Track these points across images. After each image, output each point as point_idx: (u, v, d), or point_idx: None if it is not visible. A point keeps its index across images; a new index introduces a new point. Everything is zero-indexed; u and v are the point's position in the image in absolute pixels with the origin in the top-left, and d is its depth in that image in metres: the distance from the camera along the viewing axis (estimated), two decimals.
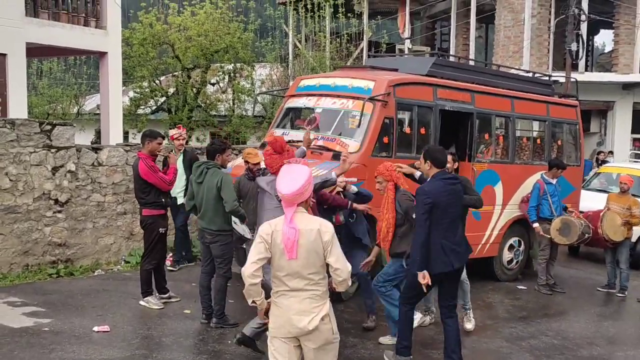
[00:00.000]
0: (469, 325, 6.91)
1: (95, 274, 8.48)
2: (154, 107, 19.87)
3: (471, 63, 12.92)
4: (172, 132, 9.20)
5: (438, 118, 8.43)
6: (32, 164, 8.08)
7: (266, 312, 3.85)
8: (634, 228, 9.25)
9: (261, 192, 6.27)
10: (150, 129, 7.53)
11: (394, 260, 6.22)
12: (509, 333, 6.99)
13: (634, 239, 9.79)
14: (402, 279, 6.08)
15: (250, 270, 3.69)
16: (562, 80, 14.75)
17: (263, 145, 8.77)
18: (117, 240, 9.06)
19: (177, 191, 8.53)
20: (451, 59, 13.13)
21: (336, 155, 7.40)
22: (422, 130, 8.29)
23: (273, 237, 3.71)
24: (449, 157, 6.96)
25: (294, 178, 3.75)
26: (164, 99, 19.45)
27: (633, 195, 9.60)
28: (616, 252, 9.20)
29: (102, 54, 13.63)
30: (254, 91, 18.82)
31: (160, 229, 6.86)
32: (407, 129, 8.30)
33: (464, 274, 6.75)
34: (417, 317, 6.85)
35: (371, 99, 7.70)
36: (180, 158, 8.64)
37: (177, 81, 18.68)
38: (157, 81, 19.35)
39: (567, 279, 9.91)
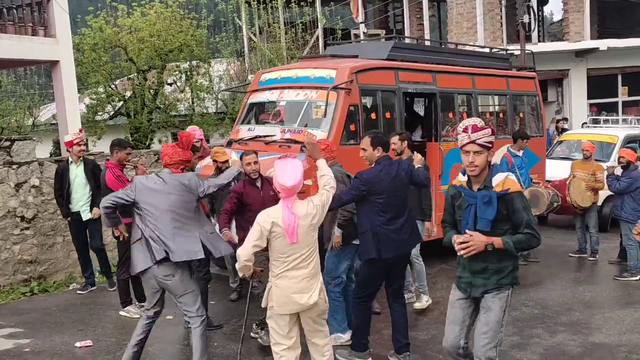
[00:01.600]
0: (418, 304, 6.97)
1: (70, 288, 8.32)
2: (112, 113, 19.48)
3: (428, 43, 13.01)
4: (67, 137, 7.90)
5: (402, 101, 8.46)
6: None
7: (253, 275, 4.63)
8: (600, 192, 9.48)
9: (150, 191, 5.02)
10: (119, 139, 7.34)
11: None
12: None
13: (600, 203, 10.03)
14: (348, 266, 6.01)
15: (247, 254, 4.24)
16: (518, 52, 14.95)
17: (229, 143, 8.73)
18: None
19: (81, 204, 7.68)
20: (408, 40, 13.15)
21: (304, 147, 7.37)
22: (388, 115, 8.32)
23: (272, 225, 4.19)
24: (396, 138, 6.97)
25: (293, 171, 4.23)
26: (121, 103, 19.07)
27: (596, 160, 9.83)
28: (585, 217, 9.43)
29: (54, 63, 13.23)
30: (212, 88, 18.60)
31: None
32: (372, 115, 8.30)
33: (415, 255, 6.84)
34: (426, 298, 7.00)
35: (334, 88, 7.68)
36: (81, 167, 7.65)
37: (133, 84, 18.34)
38: (113, 86, 18.97)
39: (540, 249, 9.98)
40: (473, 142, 3.90)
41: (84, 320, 6.84)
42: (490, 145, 3.95)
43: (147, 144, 18.52)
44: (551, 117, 18.79)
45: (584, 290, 7.82)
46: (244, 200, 6.02)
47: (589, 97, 18.61)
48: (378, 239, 5.24)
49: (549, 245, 10.49)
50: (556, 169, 11.20)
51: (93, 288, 8.03)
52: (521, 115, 10.43)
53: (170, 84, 19.23)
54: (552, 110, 18.99)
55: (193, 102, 19.36)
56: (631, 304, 7.23)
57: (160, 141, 18.79)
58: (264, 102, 8.84)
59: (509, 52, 11.51)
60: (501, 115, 10.16)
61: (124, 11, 18.42)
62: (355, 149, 7.60)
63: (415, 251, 6.84)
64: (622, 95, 19.21)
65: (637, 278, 8.28)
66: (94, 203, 7.55)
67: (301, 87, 8.20)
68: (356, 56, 8.77)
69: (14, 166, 8.06)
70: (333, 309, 5.73)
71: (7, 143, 8.04)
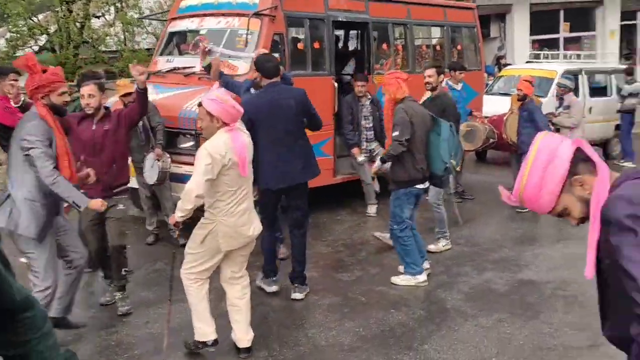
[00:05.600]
0: (433, 247, 6.64)
1: None
2: (36, 48, 18.23)
3: None
4: None
5: (332, 30, 7.93)
6: None
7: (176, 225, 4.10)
8: None
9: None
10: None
11: None
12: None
13: None
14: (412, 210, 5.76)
15: (200, 190, 3.88)
16: None
17: (147, 77, 8.07)
18: None
19: None
20: None
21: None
22: (317, 45, 7.80)
23: (227, 156, 3.89)
24: (432, 71, 6.78)
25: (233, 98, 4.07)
26: (45, 37, 17.83)
27: (536, 96, 9.57)
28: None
29: None
30: (144, 21, 17.52)
31: None
32: (299, 45, 7.76)
33: (435, 202, 6.54)
34: (443, 242, 6.73)
35: (257, 14, 7.09)
36: None
37: (58, 17, 17.11)
38: (35, 18, 17.67)
39: (476, 185, 9.93)
40: None
41: None
42: None
43: (74, 80, 17.49)
44: (493, 54, 18.57)
45: (516, 227, 7.67)
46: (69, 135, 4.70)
47: (531, 34, 18.40)
48: (264, 169, 5.00)
49: (485, 182, 10.35)
50: (495, 105, 10.97)
51: None
52: (459, 47, 10.05)
53: (98, 17, 18.06)
54: (494, 46, 18.74)
55: (124, 37, 18.32)
56: (561, 240, 7.10)
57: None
58: (184, 31, 8.16)
59: None
60: (438, 47, 9.75)
61: None
62: None
63: (434, 199, 6.58)
64: (564, 31, 19.08)
65: None
66: None
67: (223, 14, 7.57)
68: None
69: None
70: (404, 253, 5.64)
71: None
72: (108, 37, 18.09)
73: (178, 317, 4.76)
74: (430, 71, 7.01)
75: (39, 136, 4.02)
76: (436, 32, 9.85)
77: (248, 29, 6.97)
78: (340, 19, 8.06)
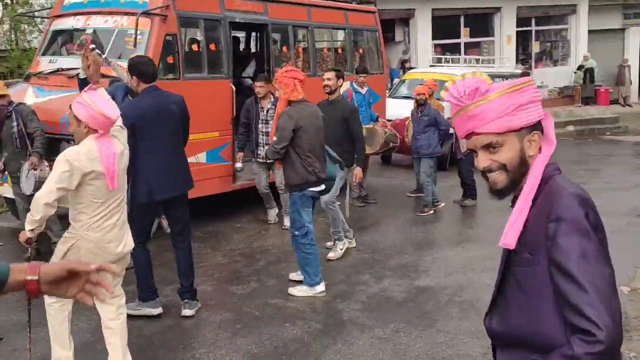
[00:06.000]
0: (332, 254, 6.47)
1: None
2: None
3: None
4: None
5: (229, 32, 7.65)
6: None
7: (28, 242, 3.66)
8: None
9: None
10: None
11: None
12: (320, 254, 6.66)
13: None
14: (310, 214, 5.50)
15: (51, 198, 3.51)
16: None
17: (27, 77, 7.51)
18: None
19: None
20: None
21: (114, 82, 6.41)
22: (212, 47, 7.49)
23: (90, 165, 3.56)
24: (332, 74, 6.66)
25: (109, 101, 3.71)
26: None
27: (436, 99, 9.66)
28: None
29: None
30: (35, 19, 16.49)
31: None
32: (194, 47, 7.43)
33: (329, 201, 6.32)
34: (340, 246, 6.52)
35: (146, 13, 6.70)
36: None
37: None
38: None
39: (380, 188, 9.93)
40: None
41: None
42: None
43: None
44: (398, 57, 18.83)
45: (416, 232, 7.66)
46: None
47: (433, 38, 18.78)
48: (146, 178, 4.67)
49: (389, 185, 10.39)
50: (398, 108, 11.04)
51: None
52: (361, 51, 10.01)
53: None
54: (399, 50, 19.00)
55: (16, 35, 17.19)
56: (460, 243, 7.15)
57: None
58: (69, 29, 7.62)
59: None
60: (340, 50, 9.65)
61: None
62: (175, 85, 6.80)
63: (329, 197, 6.28)
64: (464, 36, 19.62)
65: (431, 212, 8.35)
66: None
67: (110, 13, 7.13)
68: None
69: None
70: (304, 262, 5.38)
71: None
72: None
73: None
74: (329, 74, 6.92)
75: None
76: (338, 35, 9.76)
77: (137, 29, 6.56)
78: (238, 20, 7.78)
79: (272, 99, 7.39)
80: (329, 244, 6.67)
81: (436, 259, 6.58)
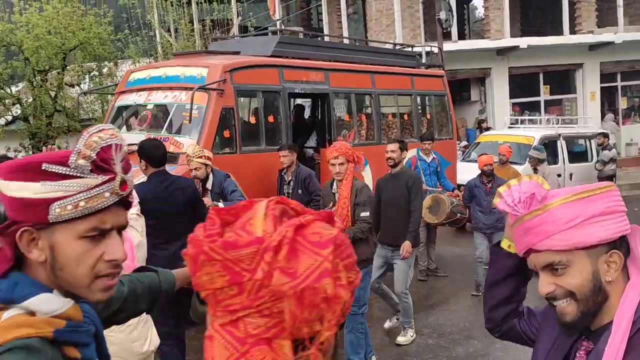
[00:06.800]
0: (402, 339, 6.07)
1: None
2: (9, 118, 17.90)
3: (327, 39, 12.14)
4: None
5: (287, 103, 7.52)
6: None
7: None
8: None
9: None
10: None
11: None
12: (380, 338, 6.20)
13: None
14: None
15: None
16: (436, 50, 14.28)
17: None
18: None
19: None
20: (302, 36, 12.25)
21: (171, 157, 6.36)
22: (271, 119, 7.36)
23: None
24: (395, 146, 6.18)
25: None
26: (16, 107, 17.53)
27: (512, 163, 9.13)
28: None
29: None
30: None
31: None
32: (252, 119, 7.33)
33: (403, 291, 5.92)
34: (411, 332, 6.14)
35: (202, 88, 6.67)
36: None
37: (32, 87, 16.84)
38: (8, 89, 17.38)
39: (451, 260, 9.35)
40: None
41: None
42: None
43: (47, 150, 17.08)
44: (474, 117, 18.32)
45: None
46: None
47: (511, 97, 18.18)
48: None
49: (461, 256, 9.77)
50: (470, 173, 10.50)
51: None
52: (429, 116, 9.66)
53: (72, 86, 17.81)
54: (475, 109, 18.51)
55: (103, 106, 18.03)
56: None
57: (59, 147, 17.34)
58: (132, 104, 7.73)
59: (418, 49, 10.76)
60: (406, 117, 9.34)
61: (22, 7, 16.94)
62: (232, 159, 6.68)
63: (401, 287, 5.92)
64: (544, 94, 18.89)
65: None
66: None
67: (170, 88, 7.17)
68: (238, 52, 7.78)
69: None
70: (357, 343, 5.09)
71: None
72: (80, 107, 17.77)
73: None
74: (393, 146, 6.43)
75: None
76: (404, 100, 9.47)
77: (192, 103, 6.52)
78: (297, 91, 7.66)
79: (293, 169, 6.84)
80: (387, 324, 6.24)
81: (508, 348, 5.94)
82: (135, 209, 3.66)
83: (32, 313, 1.17)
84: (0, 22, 16.32)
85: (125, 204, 1.27)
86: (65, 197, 1.17)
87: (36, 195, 1.17)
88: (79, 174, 1.18)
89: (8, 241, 1.20)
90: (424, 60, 12.65)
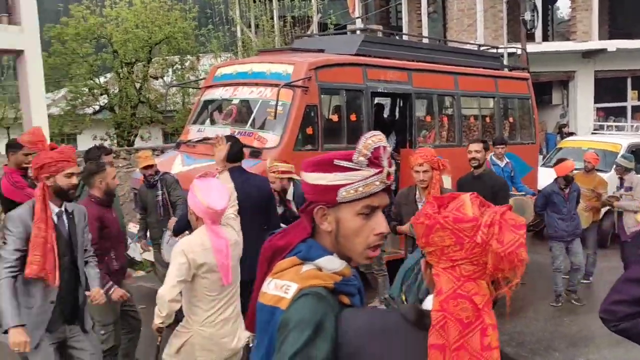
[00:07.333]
0: None
1: None
2: (97, 108, 18.72)
3: (407, 38, 12.04)
4: None
5: (370, 101, 7.54)
6: None
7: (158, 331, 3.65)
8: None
9: None
10: (13, 139, 6.28)
11: None
12: None
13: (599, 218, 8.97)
14: None
15: (174, 294, 3.42)
16: (520, 52, 13.94)
17: (178, 145, 7.87)
18: None
19: None
20: (381, 34, 12.19)
21: (254, 152, 6.52)
22: (353, 117, 7.39)
23: (204, 257, 3.45)
24: (479, 146, 6.17)
25: (219, 190, 3.54)
26: (103, 97, 18.30)
27: (597, 170, 8.80)
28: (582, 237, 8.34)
29: (18, 53, 12.48)
30: (199, 83, 17.72)
31: None
32: (335, 117, 7.38)
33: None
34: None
35: (288, 85, 6.77)
36: None
37: (119, 78, 17.55)
38: (97, 79, 18.17)
39: (530, 267, 9.04)
40: None
41: None
42: None
43: (130, 140, 17.74)
44: (555, 122, 17.77)
45: (570, 323, 6.85)
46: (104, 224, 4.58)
47: (596, 101, 17.50)
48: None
49: (539, 262, 9.51)
50: (551, 179, 10.21)
51: None
52: (511, 119, 9.44)
53: (156, 78, 18.43)
54: (556, 113, 17.94)
55: (184, 98, 18.57)
56: (622, 342, 6.22)
57: (142, 137, 18.00)
58: (218, 99, 7.94)
59: (503, 50, 10.53)
60: (488, 119, 9.17)
61: (112, 1, 17.68)
62: (313, 155, 6.73)
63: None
64: (632, 99, 18.08)
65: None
66: None
67: (256, 84, 7.31)
68: (322, 50, 7.84)
69: None
70: None
71: None
72: (162, 98, 18.37)
73: None
74: (477, 146, 6.34)
75: (15, 226, 3.60)
76: (486, 103, 9.30)
77: (277, 100, 6.63)
78: (380, 90, 7.66)
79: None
80: None
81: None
82: (232, 209, 3.77)
83: (320, 269, 1.61)
84: (92, 15, 17.05)
85: (387, 190, 1.66)
86: (349, 184, 1.59)
87: (330, 183, 1.60)
88: (359, 167, 1.59)
89: (307, 217, 1.67)
90: (505, 62, 12.39)
